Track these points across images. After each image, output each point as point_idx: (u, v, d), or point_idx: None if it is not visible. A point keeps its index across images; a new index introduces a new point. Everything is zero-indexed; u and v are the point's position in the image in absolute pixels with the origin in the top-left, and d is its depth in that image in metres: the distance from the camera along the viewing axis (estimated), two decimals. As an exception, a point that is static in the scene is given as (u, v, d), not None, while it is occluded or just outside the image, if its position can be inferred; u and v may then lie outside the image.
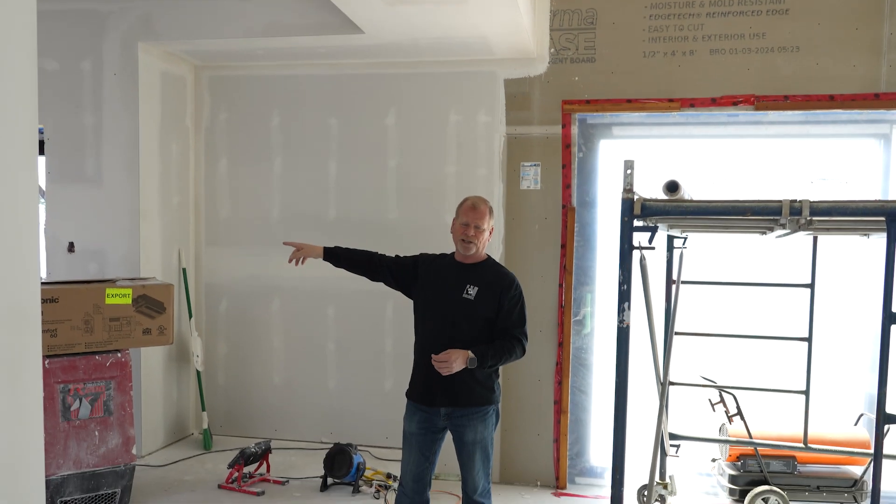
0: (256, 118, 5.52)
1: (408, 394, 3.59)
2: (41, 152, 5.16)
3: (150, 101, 5.12)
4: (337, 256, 3.72)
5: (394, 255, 3.70)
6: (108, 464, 4.14)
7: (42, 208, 5.43)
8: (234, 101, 5.56)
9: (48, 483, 3.92)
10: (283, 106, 5.46)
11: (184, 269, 5.51)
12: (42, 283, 4.35)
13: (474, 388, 3.44)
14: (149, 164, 5.12)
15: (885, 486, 3.23)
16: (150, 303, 4.28)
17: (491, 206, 3.54)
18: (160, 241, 5.27)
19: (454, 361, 3.26)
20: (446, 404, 3.43)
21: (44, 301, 3.94)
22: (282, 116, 5.47)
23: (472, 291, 3.43)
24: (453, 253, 3.60)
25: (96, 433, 4.10)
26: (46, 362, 3.95)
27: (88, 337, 4.09)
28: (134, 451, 4.26)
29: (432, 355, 3.29)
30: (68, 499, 4.02)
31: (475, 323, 3.42)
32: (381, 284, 5.15)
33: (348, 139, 5.37)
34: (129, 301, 4.20)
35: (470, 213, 3.46)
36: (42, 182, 5.32)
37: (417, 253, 3.71)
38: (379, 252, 3.71)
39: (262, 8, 4.73)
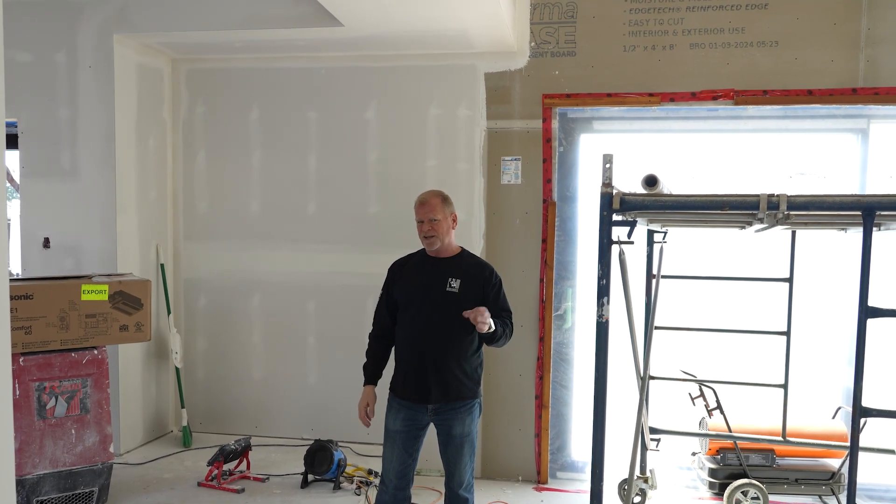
0: (235, 112, 5.46)
1: (395, 391, 3.59)
2: (15, 146, 5.08)
3: (127, 94, 5.05)
4: (380, 371, 3.72)
5: (378, 302, 3.73)
6: (85, 462, 4.08)
7: (16, 203, 5.35)
8: (212, 94, 5.50)
9: (24, 482, 3.87)
10: (261, 99, 5.41)
11: (162, 265, 5.45)
12: (16, 280, 4.29)
13: (465, 382, 3.51)
14: (125, 158, 5.05)
15: (861, 479, 3.26)
16: (127, 299, 4.23)
17: (445, 194, 3.58)
18: (137, 237, 5.21)
19: (488, 316, 3.32)
20: (439, 399, 3.46)
21: (18, 297, 3.89)
22: (261, 110, 5.42)
23: (456, 284, 3.47)
24: (424, 249, 3.61)
25: (73, 431, 4.05)
26: (21, 360, 3.90)
27: (64, 334, 4.03)
28: (112, 450, 4.21)
29: (472, 310, 3.30)
30: (45, 498, 3.96)
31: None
32: (363, 278, 5.17)
33: (328, 133, 5.33)
34: (105, 297, 4.15)
35: (420, 209, 3.52)
36: (16, 176, 5.24)
37: (392, 255, 3.78)
38: (373, 327, 3.75)
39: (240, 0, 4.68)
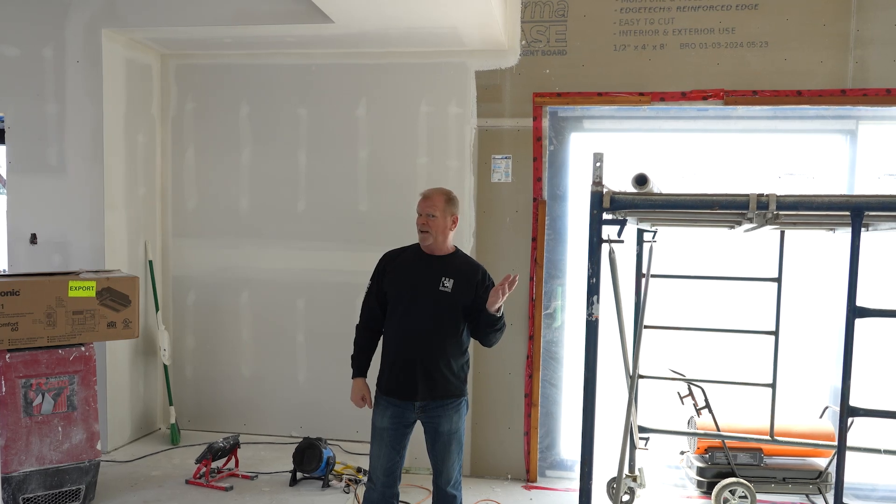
0: (224, 108, 5.43)
1: (381, 389, 3.58)
2: (1, 141, 5.04)
3: (115, 89, 5.02)
4: (368, 362, 3.70)
5: (366, 292, 3.69)
6: (71, 460, 4.06)
7: (3, 199, 5.31)
8: (202, 90, 5.47)
9: (10, 480, 3.84)
10: (251, 95, 5.39)
11: (150, 262, 5.42)
12: (3, 276, 4.26)
13: (451, 381, 3.51)
14: (114, 154, 5.02)
15: (849, 478, 3.27)
16: (115, 296, 4.20)
17: (451, 195, 3.59)
18: (126, 233, 5.18)
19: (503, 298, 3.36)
20: (426, 397, 3.46)
21: (5, 294, 3.86)
22: (251, 106, 5.40)
23: (449, 284, 3.48)
24: (419, 244, 3.61)
25: (59, 429, 4.02)
26: (7, 356, 3.87)
27: (51, 331, 4.00)
28: (99, 447, 4.19)
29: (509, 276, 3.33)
30: (31, 496, 3.94)
31: (455, 313, 3.49)
32: (353, 276, 5.16)
33: (318, 130, 5.31)
34: (92, 294, 4.12)
35: (422, 202, 3.54)
36: (3, 172, 5.20)
37: (383, 253, 3.74)
38: (360, 318, 3.72)
39: (229, -5, 4.66)
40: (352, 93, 5.23)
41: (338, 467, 4.70)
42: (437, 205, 3.50)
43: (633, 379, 4.16)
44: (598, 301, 3.29)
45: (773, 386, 4.23)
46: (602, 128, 5.17)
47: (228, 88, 5.42)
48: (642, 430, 4.46)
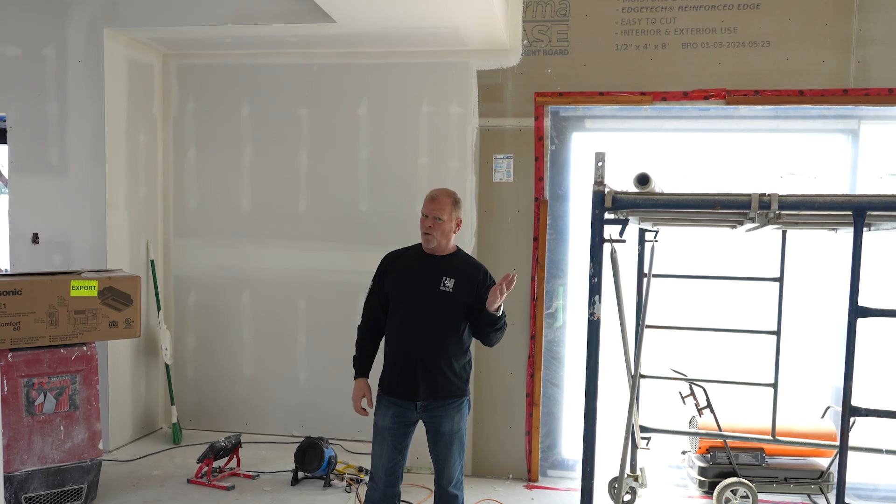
0: (226, 107, 5.43)
1: (383, 388, 3.58)
2: (3, 141, 5.05)
3: (117, 89, 5.02)
4: (370, 362, 3.69)
5: (368, 292, 3.69)
6: (73, 459, 4.06)
7: (5, 198, 5.32)
8: (203, 89, 5.47)
9: (12, 479, 3.85)
10: (252, 95, 5.39)
11: (152, 261, 5.42)
12: (5, 275, 4.26)
13: (453, 381, 3.51)
14: (115, 153, 5.02)
15: (850, 478, 3.27)
16: (117, 295, 4.20)
17: (457, 197, 3.56)
18: (127, 233, 5.18)
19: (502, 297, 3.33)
20: (427, 397, 3.46)
21: (7, 293, 3.86)
22: (252, 106, 5.40)
23: (450, 283, 3.47)
24: (420, 244, 3.60)
25: (61, 428, 4.02)
26: (9, 356, 3.87)
27: (53, 330, 4.00)
28: (101, 446, 4.19)
29: (508, 275, 3.31)
30: (33, 495, 3.94)
31: (455, 313, 3.48)
32: (354, 276, 5.16)
33: (319, 129, 5.31)
34: (94, 293, 4.12)
35: (429, 204, 3.51)
36: (5, 171, 5.20)
37: (383, 253, 3.74)
38: (362, 319, 3.72)
39: (230, -5, 4.66)
40: (353, 93, 5.23)
41: (339, 467, 4.70)
42: (445, 208, 3.48)
43: (635, 379, 4.16)
44: (599, 301, 3.29)
45: (774, 386, 4.23)
46: (604, 127, 5.17)
47: (229, 88, 5.42)
48: (644, 429, 4.45)
